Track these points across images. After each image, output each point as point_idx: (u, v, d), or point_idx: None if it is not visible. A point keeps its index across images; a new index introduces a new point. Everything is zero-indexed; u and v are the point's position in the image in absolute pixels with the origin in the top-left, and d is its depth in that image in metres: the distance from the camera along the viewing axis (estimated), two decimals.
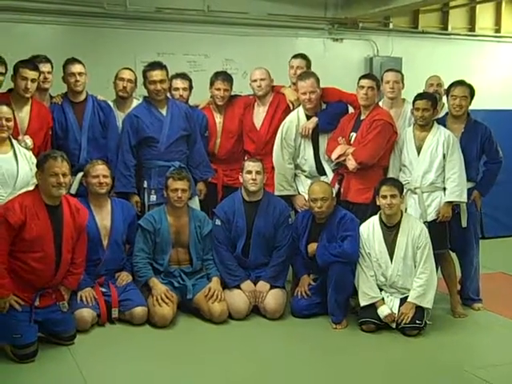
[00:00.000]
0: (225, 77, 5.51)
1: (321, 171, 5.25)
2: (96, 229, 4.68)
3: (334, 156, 4.99)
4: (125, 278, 4.77)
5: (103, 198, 4.78)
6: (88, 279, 4.59)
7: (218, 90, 5.46)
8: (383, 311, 4.53)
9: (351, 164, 4.91)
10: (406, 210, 4.90)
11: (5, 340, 3.99)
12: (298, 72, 5.46)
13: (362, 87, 4.99)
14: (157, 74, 5.05)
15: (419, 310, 4.51)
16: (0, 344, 4.03)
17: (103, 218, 4.75)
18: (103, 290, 4.65)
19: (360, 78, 5.08)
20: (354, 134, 5.04)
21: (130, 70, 5.36)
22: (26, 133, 4.64)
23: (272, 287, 4.85)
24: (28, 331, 3.98)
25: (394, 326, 4.54)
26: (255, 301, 4.82)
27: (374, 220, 4.71)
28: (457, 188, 4.80)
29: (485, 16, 8.98)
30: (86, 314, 4.43)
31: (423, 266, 4.57)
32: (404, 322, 4.48)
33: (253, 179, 4.85)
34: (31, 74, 4.65)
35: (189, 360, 4.06)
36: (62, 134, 4.99)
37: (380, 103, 5.29)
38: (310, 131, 5.18)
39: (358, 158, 4.89)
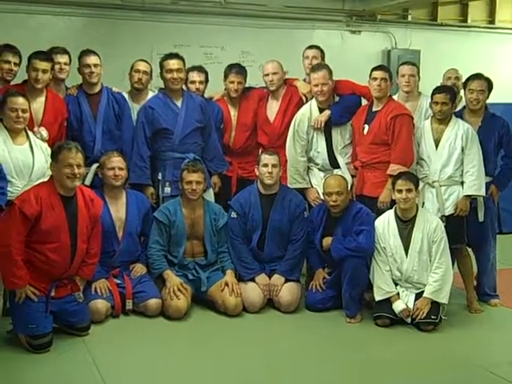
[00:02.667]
0: (238, 70, 5.50)
1: (334, 164, 5.21)
2: (111, 220, 4.69)
3: (394, 173, 4.80)
4: (139, 269, 4.78)
5: (118, 190, 4.79)
6: (102, 271, 4.61)
7: (232, 82, 5.45)
8: (398, 306, 4.51)
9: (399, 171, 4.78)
10: (423, 203, 4.87)
11: (20, 330, 4.02)
12: (314, 62, 5.45)
13: (375, 79, 4.95)
14: (174, 63, 5.04)
15: (435, 306, 4.47)
16: (16, 333, 4.05)
17: (118, 209, 4.76)
18: (117, 281, 4.67)
19: (372, 70, 5.03)
20: (366, 126, 4.99)
21: (146, 61, 5.36)
22: (40, 124, 4.64)
23: (287, 280, 4.84)
24: (43, 322, 4.00)
25: (409, 321, 4.51)
26: (270, 294, 4.81)
27: (390, 214, 4.68)
28: (475, 182, 4.76)
29: (505, 8, 8.90)
30: (101, 305, 4.45)
31: (439, 261, 4.53)
32: (419, 317, 4.44)
33: (269, 172, 4.83)
34: (42, 65, 4.64)
35: (203, 352, 4.06)
36: (76, 125, 5.00)
37: (395, 97, 5.25)
38: (323, 124, 5.15)
39: (408, 162, 4.83)
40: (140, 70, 5.27)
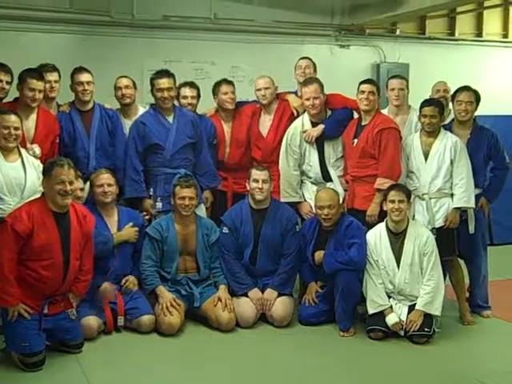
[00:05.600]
0: (228, 81, 5.55)
1: (326, 177, 5.23)
2: (110, 237, 4.70)
3: (381, 187, 4.83)
4: (131, 283, 4.75)
5: (110, 207, 4.80)
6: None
7: (226, 93, 5.49)
8: (391, 319, 4.51)
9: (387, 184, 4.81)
10: (413, 216, 4.89)
11: (13, 348, 4.01)
12: (307, 71, 5.51)
13: (363, 92, 4.98)
14: (164, 82, 5.06)
15: (428, 318, 4.49)
16: (9, 352, 4.04)
17: (112, 226, 4.76)
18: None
19: (360, 83, 5.06)
20: (355, 140, 5.02)
21: (126, 77, 5.36)
22: (32, 141, 4.65)
23: (279, 295, 4.84)
24: (36, 340, 3.99)
25: (402, 333, 4.52)
26: (263, 308, 4.81)
27: (381, 227, 4.70)
28: (465, 194, 4.79)
29: (492, 21, 8.99)
30: (92, 321, 4.44)
31: (430, 273, 4.55)
32: (412, 329, 4.46)
33: (259, 188, 4.85)
34: (38, 85, 4.66)
35: (196, 368, 4.05)
36: (69, 142, 5.00)
37: (385, 110, 5.29)
38: (314, 139, 5.17)
39: (395, 176, 4.85)
40: (122, 86, 5.28)
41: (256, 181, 4.87)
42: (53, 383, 3.83)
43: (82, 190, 4.70)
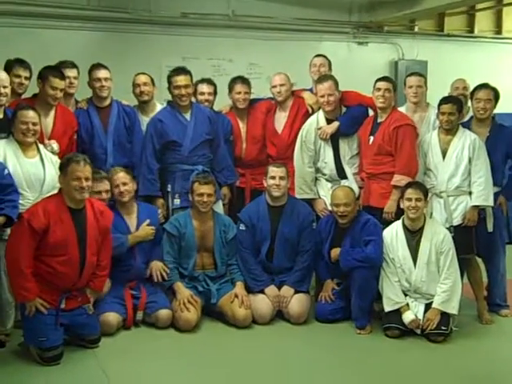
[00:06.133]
0: (243, 80, 5.56)
1: (341, 175, 5.22)
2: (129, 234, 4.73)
3: (398, 183, 4.82)
4: (158, 269, 4.74)
5: (129, 205, 4.81)
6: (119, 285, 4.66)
7: (239, 93, 5.50)
8: (408, 317, 4.49)
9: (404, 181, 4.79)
10: (431, 214, 4.87)
11: (31, 342, 4.04)
12: (322, 70, 5.51)
13: (379, 89, 4.98)
14: (181, 79, 5.07)
15: (445, 316, 4.46)
16: (27, 346, 4.08)
17: (131, 225, 4.79)
18: (134, 292, 4.69)
19: (376, 81, 5.05)
20: (371, 138, 5.02)
21: (145, 73, 5.37)
22: (50, 137, 4.68)
23: (296, 292, 4.84)
24: (54, 334, 4.02)
25: (418, 331, 4.50)
26: (279, 305, 4.81)
27: (398, 225, 4.68)
28: (483, 192, 4.76)
29: (511, 18, 8.88)
30: (112, 318, 4.46)
31: (447, 272, 4.53)
32: (429, 328, 4.43)
33: (276, 185, 4.85)
34: (60, 84, 4.70)
35: (213, 364, 4.06)
36: (87, 138, 5.04)
37: (403, 108, 5.26)
38: (328, 136, 5.17)
39: (412, 173, 4.84)
40: (140, 83, 5.29)
41: (273, 177, 4.87)
42: (70, 377, 3.86)
43: (107, 191, 4.70)
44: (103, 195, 4.65)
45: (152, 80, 5.35)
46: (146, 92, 5.30)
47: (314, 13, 7.81)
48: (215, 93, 5.57)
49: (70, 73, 5.05)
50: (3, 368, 3.94)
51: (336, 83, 5.17)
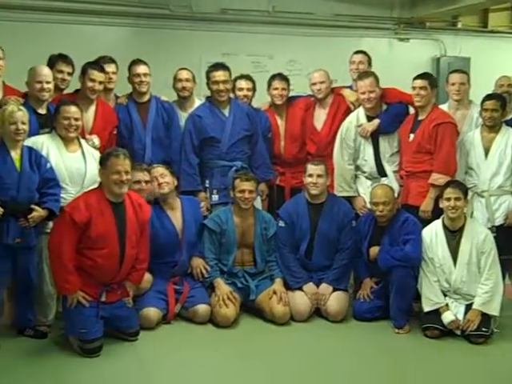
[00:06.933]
0: (282, 77, 5.54)
1: (381, 172, 5.18)
2: (175, 232, 4.76)
3: (436, 182, 4.78)
4: (199, 266, 4.78)
5: (172, 200, 4.83)
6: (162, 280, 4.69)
7: (276, 89, 5.49)
8: (447, 317, 4.44)
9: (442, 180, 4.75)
10: (472, 213, 4.80)
11: (72, 334, 4.10)
12: (361, 67, 5.46)
13: (414, 88, 4.93)
14: (220, 75, 5.09)
15: (486, 318, 4.40)
16: (68, 337, 4.14)
17: (177, 220, 4.81)
18: (177, 287, 4.72)
19: (413, 79, 5.00)
20: (411, 135, 4.97)
21: (187, 69, 5.39)
22: (91, 132, 4.74)
23: (334, 290, 4.82)
24: (94, 326, 4.06)
25: (458, 332, 4.44)
26: (317, 303, 4.79)
27: (437, 224, 4.62)
28: None
29: None
30: (153, 313, 4.49)
31: (488, 273, 4.45)
32: (470, 329, 4.37)
33: (313, 183, 4.83)
34: (99, 76, 4.77)
35: (250, 360, 4.07)
36: (126, 133, 5.08)
37: (445, 105, 5.19)
38: (369, 133, 5.13)
39: (450, 172, 4.79)
40: (182, 79, 5.31)
41: (311, 175, 4.85)
42: (109, 369, 3.90)
43: (146, 182, 4.72)
44: (143, 185, 4.68)
45: (193, 76, 5.37)
46: (188, 88, 5.31)
47: (355, 9, 7.77)
48: (254, 89, 5.57)
49: (109, 68, 5.10)
50: (45, 358, 4.00)
51: (377, 80, 5.13)
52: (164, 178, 4.76)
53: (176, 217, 4.81)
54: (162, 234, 4.70)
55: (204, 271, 4.78)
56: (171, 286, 4.69)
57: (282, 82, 5.50)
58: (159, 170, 4.78)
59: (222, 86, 5.09)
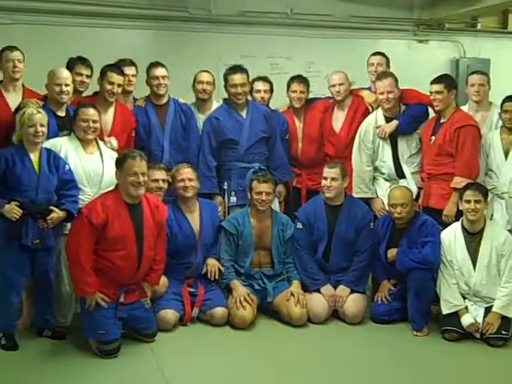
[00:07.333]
0: (301, 79, 5.53)
1: (400, 174, 5.16)
2: (192, 233, 4.77)
3: (458, 186, 4.73)
4: (214, 267, 4.77)
5: (192, 202, 4.84)
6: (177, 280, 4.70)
7: (295, 92, 5.48)
8: (466, 320, 4.40)
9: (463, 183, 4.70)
10: (491, 215, 4.76)
11: (90, 335, 4.12)
12: (379, 69, 5.43)
13: (431, 93, 4.91)
14: (238, 78, 5.09)
15: (505, 320, 4.35)
16: (86, 338, 4.16)
17: (194, 222, 4.81)
18: (191, 289, 4.72)
19: (430, 84, 4.97)
20: (433, 138, 4.93)
21: (208, 72, 5.40)
22: (109, 134, 4.77)
23: (352, 292, 4.80)
24: (112, 328, 4.08)
25: (478, 335, 4.40)
26: (335, 305, 4.78)
27: (456, 226, 4.58)
28: None
29: None
30: (170, 315, 4.50)
31: (508, 275, 4.41)
32: (489, 332, 4.33)
33: (327, 186, 4.81)
34: (118, 79, 4.80)
35: (267, 362, 4.06)
36: (144, 135, 5.10)
37: (465, 107, 5.16)
38: (387, 135, 5.10)
39: (472, 175, 4.75)
40: (203, 81, 5.31)
41: (325, 178, 4.83)
42: (127, 370, 3.92)
43: (164, 181, 4.75)
44: (160, 183, 4.69)
45: (213, 79, 5.38)
46: (208, 91, 5.32)
47: (374, 10, 7.72)
48: (271, 91, 5.57)
49: (129, 71, 5.13)
50: (63, 359, 4.03)
51: (396, 80, 5.11)
52: (191, 182, 4.77)
53: (194, 219, 4.82)
54: (179, 235, 4.71)
55: (217, 272, 4.77)
56: (186, 289, 4.70)
57: (300, 84, 5.49)
58: (189, 173, 4.78)
59: (240, 89, 5.09)
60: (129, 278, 4.19)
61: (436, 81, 4.99)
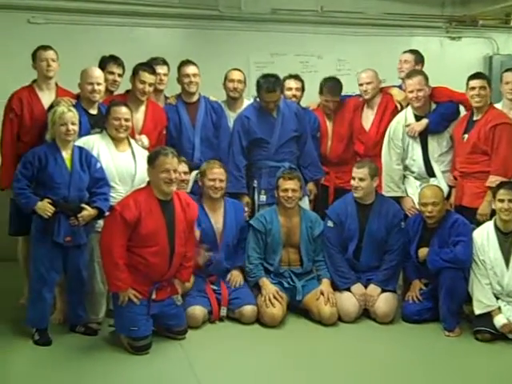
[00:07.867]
0: (333, 87, 5.48)
1: (430, 172, 5.11)
2: (212, 231, 4.78)
3: (493, 185, 4.67)
4: (236, 278, 4.81)
5: (217, 201, 4.85)
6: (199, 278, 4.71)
7: (327, 101, 5.49)
8: (499, 321, 4.35)
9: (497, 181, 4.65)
10: None
11: (122, 331, 4.16)
12: (405, 66, 5.41)
13: (473, 88, 4.83)
14: (270, 96, 5.02)
15: None
16: (118, 335, 4.21)
17: (216, 220, 4.83)
18: (214, 287, 4.74)
19: (469, 79, 4.89)
20: (466, 136, 4.88)
21: (240, 70, 5.42)
22: (141, 132, 4.81)
23: (383, 291, 4.78)
24: (144, 324, 4.11)
25: (511, 336, 4.35)
26: (365, 304, 4.76)
27: (489, 226, 4.53)
28: None
29: None
30: (198, 311, 4.52)
31: None
32: None
33: (355, 186, 4.80)
34: (149, 78, 4.83)
35: (297, 360, 4.06)
36: (175, 133, 5.13)
37: (499, 105, 5.09)
38: (417, 133, 5.06)
39: (508, 173, 4.69)
40: (234, 80, 5.34)
41: (353, 178, 4.82)
42: (158, 366, 3.94)
43: (185, 173, 4.77)
44: (182, 176, 4.69)
45: (245, 78, 5.39)
46: (239, 89, 5.34)
47: (405, 7, 7.65)
48: (303, 89, 5.56)
49: (161, 69, 5.16)
50: (95, 355, 4.07)
51: (426, 78, 5.06)
52: (221, 183, 4.79)
53: (217, 217, 4.83)
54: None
55: (239, 283, 4.79)
56: (209, 286, 4.72)
57: (330, 95, 5.46)
58: (221, 174, 4.79)
59: (271, 105, 5.08)
60: (160, 274, 4.21)
61: (478, 76, 4.94)
